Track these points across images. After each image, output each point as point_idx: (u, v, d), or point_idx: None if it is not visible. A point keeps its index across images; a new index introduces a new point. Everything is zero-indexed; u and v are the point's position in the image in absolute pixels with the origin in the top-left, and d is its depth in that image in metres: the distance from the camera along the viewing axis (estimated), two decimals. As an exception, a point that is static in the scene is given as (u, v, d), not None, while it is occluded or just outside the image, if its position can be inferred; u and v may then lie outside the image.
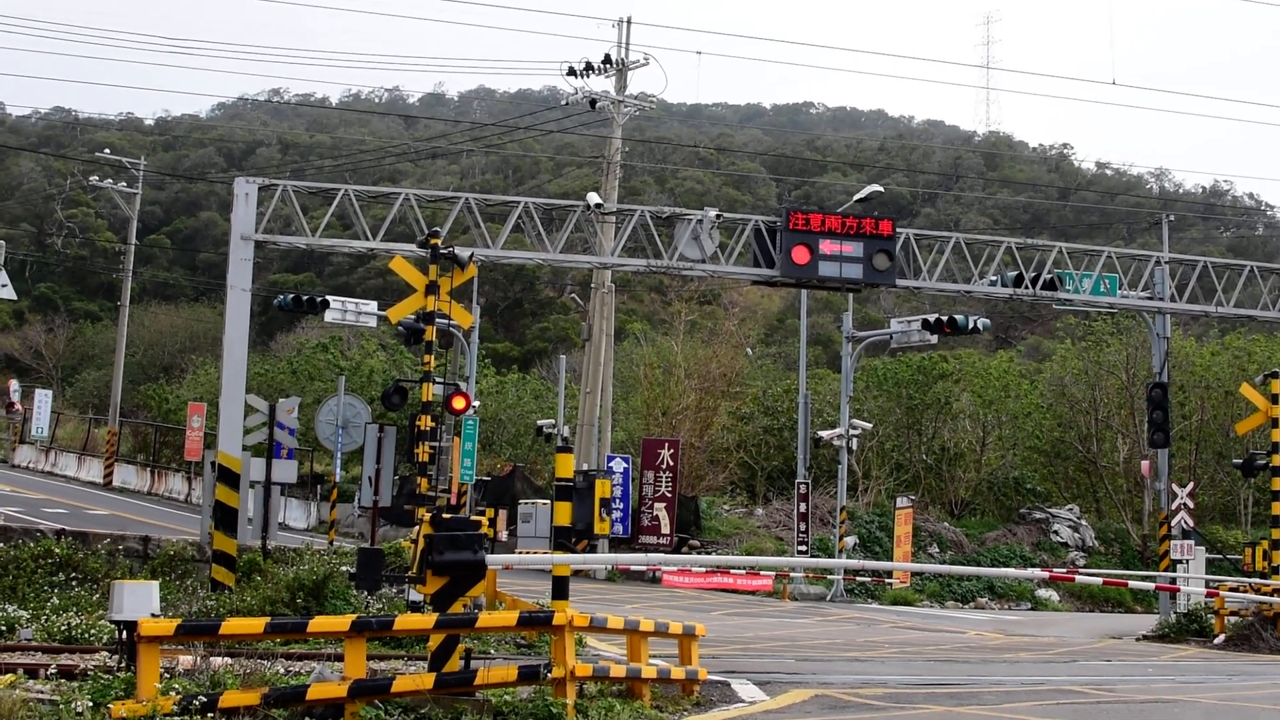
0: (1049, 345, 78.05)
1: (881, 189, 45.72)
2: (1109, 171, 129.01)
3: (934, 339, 41.68)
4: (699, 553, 46.48)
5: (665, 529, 46.75)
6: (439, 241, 25.37)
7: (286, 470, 27.56)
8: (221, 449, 26.39)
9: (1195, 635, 32.42)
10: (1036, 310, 77.56)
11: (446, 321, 29.11)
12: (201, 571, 25.41)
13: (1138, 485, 53.44)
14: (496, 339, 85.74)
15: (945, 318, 39.96)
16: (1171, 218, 45.25)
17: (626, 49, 46.71)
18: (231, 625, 14.33)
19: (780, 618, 34.52)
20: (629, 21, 46.87)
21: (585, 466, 45.16)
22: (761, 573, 43.46)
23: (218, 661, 15.14)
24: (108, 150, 73.64)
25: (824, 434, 45.40)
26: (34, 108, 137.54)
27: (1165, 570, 36.01)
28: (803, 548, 44.47)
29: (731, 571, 43.51)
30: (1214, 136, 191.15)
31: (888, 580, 44.76)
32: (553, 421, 48.95)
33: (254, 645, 16.49)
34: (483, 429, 49.29)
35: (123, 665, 14.89)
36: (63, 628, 18.84)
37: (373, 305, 42.33)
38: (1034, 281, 32.06)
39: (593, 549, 42.91)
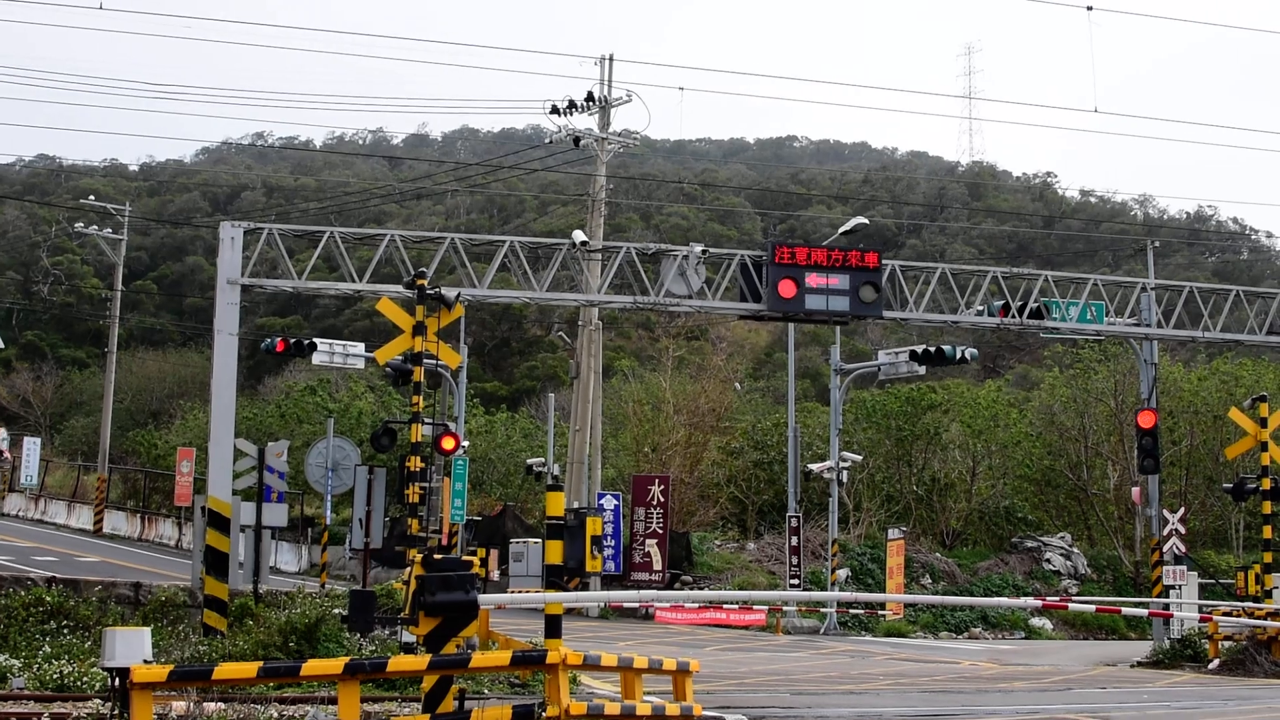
0: (1037, 374, 78.15)
1: (866, 221, 45.83)
2: (1093, 199, 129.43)
3: (922, 370, 41.74)
4: (691, 588, 46.39)
5: (657, 565, 46.70)
6: (425, 282, 25.40)
7: (277, 514, 27.53)
8: (211, 493, 26.35)
9: (1190, 660, 32.38)
10: (1024, 339, 77.64)
11: (434, 362, 29.11)
12: (193, 617, 25.35)
13: (1129, 512, 53.48)
14: (485, 378, 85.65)
15: (933, 348, 40.02)
16: (1156, 244, 45.45)
17: (609, 86, 46.87)
18: (224, 670, 14.29)
19: (774, 652, 34.46)
20: (611, 59, 46.98)
21: (576, 504, 45.04)
22: (755, 607, 43.39)
23: (211, 707, 15.09)
24: (92, 197, 73.50)
25: (814, 467, 45.38)
26: (18, 155, 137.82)
27: (1158, 596, 36.00)
28: (795, 581, 44.41)
29: (724, 606, 43.42)
30: (1197, 162, 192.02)
31: (881, 612, 44.69)
32: (542, 460, 48.87)
33: (247, 690, 16.44)
34: (473, 469, 49.28)
35: (115, 712, 14.83)
36: (55, 676, 18.78)
37: (360, 347, 42.29)
38: (1021, 310, 32.15)
39: (585, 587, 42.71)
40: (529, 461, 50.84)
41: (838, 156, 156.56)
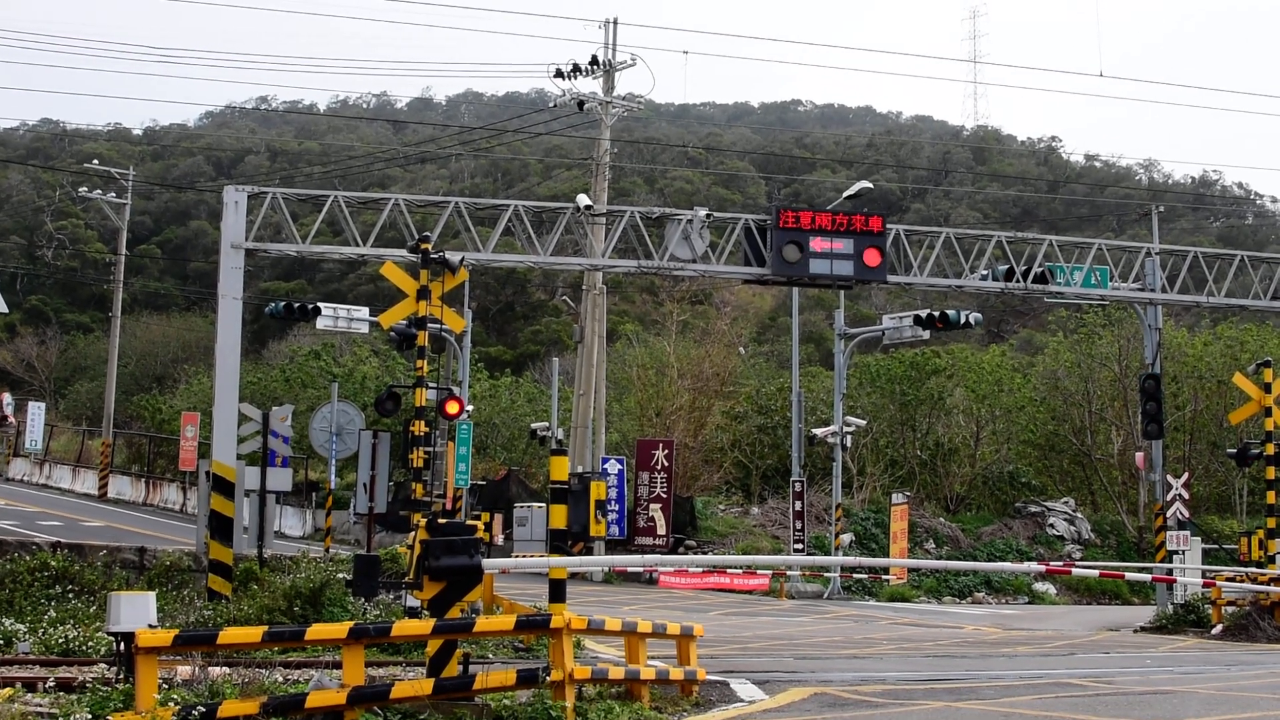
0: (1041, 339, 78.05)
1: (871, 185, 45.79)
2: (1098, 164, 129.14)
3: (926, 334, 41.69)
4: (695, 553, 46.46)
5: (661, 530, 46.75)
6: (429, 246, 25.36)
7: (281, 478, 27.55)
8: (216, 458, 26.36)
9: (1193, 626, 32.41)
10: (1028, 304, 77.58)
11: (438, 326, 29.10)
12: (198, 581, 25.38)
13: (1132, 477, 53.51)
14: (489, 343, 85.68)
15: (937, 313, 39.98)
16: (1161, 209, 45.40)
17: (613, 50, 46.73)
18: (229, 635, 14.32)
19: (778, 616, 34.52)
20: (615, 23, 46.93)
21: (580, 469, 45.12)
22: (758, 572, 43.46)
23: (216, 671, 15.11)
24: (96, 161, 73.41)
25: (818, 432, 45.38)
26: (21, 120, 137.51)
27: (1161, 561, 36.02)
28: (799, 546, 44.47)
29: (728, 571, 43.50)
30: (1202, 127, 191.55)
31: (884, 577, 44.75)
32: (547, 424, 48.93)
33: (252, 654, 16.45)
34: (477, 433, 49.30)
35: (121, 677, 14.86)
36: (60, 640, 18.82)
37: (364, 311, 42.29)
38: (1025, 275, 32.09)
39: (589, 551, 42.88)
40: (533, 426, 50.90)
41: (842, 120, 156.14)
